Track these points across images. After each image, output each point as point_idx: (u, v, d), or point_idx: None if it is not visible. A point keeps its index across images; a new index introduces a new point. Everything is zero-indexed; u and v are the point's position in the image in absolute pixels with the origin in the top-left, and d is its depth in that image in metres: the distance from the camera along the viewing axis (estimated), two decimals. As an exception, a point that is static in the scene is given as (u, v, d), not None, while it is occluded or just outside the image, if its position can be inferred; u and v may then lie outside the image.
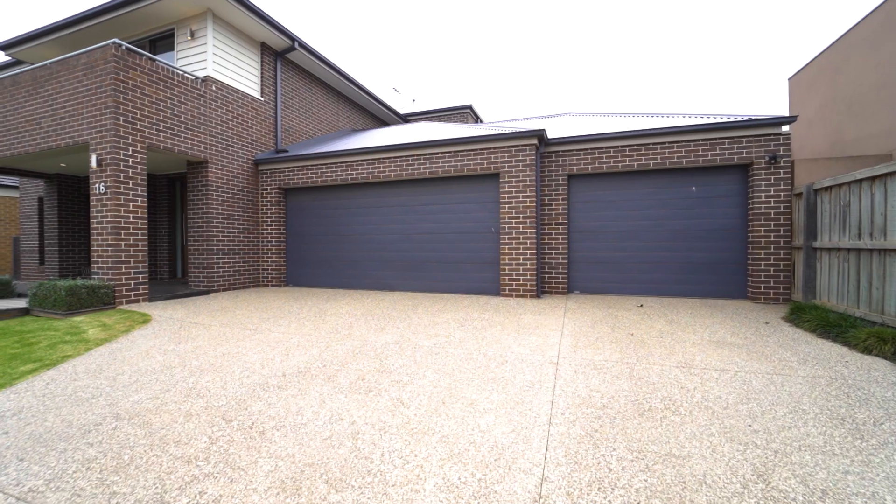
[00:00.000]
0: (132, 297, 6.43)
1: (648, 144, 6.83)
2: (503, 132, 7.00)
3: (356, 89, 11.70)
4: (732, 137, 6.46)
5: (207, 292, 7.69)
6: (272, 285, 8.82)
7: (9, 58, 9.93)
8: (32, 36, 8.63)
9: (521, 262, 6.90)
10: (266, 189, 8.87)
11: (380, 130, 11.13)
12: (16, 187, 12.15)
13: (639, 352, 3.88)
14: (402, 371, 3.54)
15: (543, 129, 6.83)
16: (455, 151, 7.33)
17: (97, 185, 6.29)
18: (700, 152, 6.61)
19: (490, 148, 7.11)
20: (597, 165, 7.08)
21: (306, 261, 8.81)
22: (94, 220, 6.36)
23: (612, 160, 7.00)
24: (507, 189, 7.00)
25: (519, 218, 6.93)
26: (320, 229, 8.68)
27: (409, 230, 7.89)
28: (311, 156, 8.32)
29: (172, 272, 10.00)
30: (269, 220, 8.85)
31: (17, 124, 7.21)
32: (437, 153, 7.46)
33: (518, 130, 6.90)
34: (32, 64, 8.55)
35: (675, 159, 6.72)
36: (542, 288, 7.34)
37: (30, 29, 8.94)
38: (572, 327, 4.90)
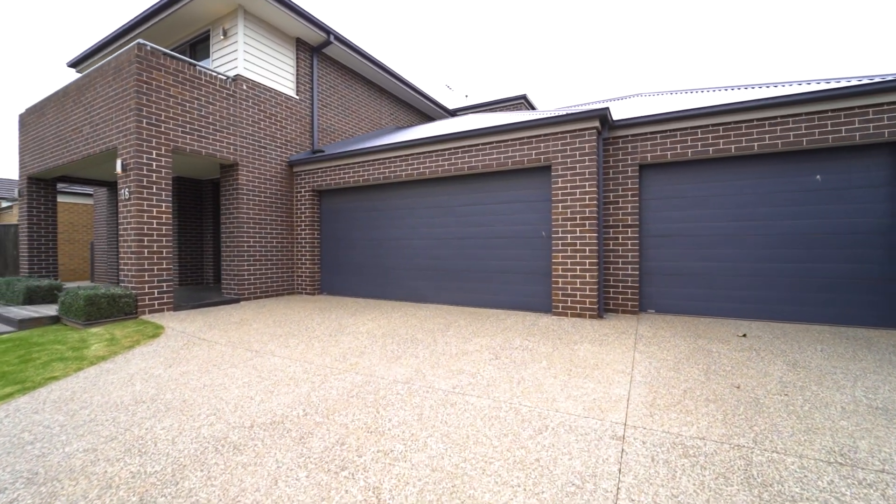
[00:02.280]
0: (155, 307, 6.16)
1: (752, 121, 5.20)
2: (554, 115, 5.76)
3: (399, 84, 10.99)
4: (881, 105, 4.66)
5: (238, 300, 7.34)
6: (306, 293, 8.33)
7: (79, 74, 10.55)
8: (90, 53, 8.97)
9: (577, 272, 5.62)
10: (300, 192, 8.41)
11: (422, 126, 10.29)
12: (90, 195, 13.13)
13: (754, 423, 2.53)
14: (397, 432, 2.56)
15: (607, 109, 5.48)
16: (497, 142, 6.22)
17: (122, 191, 6.10)
18: (829, 128, 4.88)
19: (539, 135, 5.90)
20: (679, 151, 5.57)
21: (340, 267, 8.19)
22: (120, 227, 6.18)
23: (699, 143, 5.46)
24: (560, 184, 5.75)
25: (575, 219, 5.65)
26: (354, 234, 8.01)
27: (446, 234, 6.92)
28: (341, 154, 7.68)
29: (217, 278, 9.98)
30: (303, 224, 8.38)
31: (66, 133, 7.38)
32: (477, 145, 6.40)
33: (574, 112, 5.62)
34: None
35: (792, 139, 5.03)
36: (605, 305, 5.98)
37: (87, 46, 9.29)
38: (647, 368, 3.59)
